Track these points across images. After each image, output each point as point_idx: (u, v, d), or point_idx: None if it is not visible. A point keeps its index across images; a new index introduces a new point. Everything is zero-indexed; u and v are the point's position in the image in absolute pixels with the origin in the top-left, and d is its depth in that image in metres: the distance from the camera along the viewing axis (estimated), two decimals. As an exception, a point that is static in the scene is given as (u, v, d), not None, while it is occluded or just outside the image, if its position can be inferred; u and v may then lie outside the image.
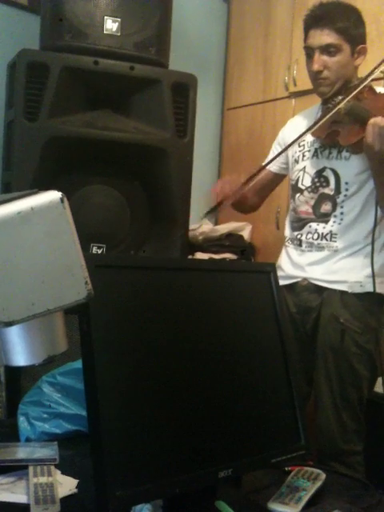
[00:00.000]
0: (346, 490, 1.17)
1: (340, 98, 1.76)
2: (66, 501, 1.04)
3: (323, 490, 1.13)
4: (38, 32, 2.16)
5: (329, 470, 1.22)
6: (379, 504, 1.10)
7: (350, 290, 1.83)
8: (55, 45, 2.05)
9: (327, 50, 1.79)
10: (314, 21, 1.82)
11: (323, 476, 1.17)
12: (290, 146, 1.91)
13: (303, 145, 1.95)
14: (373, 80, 1.75)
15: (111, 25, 2.06)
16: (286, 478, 1.16)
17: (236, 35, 3.20)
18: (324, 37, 1.79)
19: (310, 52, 1.85)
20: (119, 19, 2.07)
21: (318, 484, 1.13)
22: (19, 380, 1.68)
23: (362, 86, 1.71)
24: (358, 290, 1.82)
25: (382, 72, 1.73)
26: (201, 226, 2.93)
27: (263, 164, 2.02)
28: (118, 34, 2.07)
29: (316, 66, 1.81)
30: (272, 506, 1.05)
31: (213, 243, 2.88)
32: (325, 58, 1.80)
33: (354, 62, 1.83)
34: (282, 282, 1.92)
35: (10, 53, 2.12)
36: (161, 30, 2.15)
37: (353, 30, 1.80)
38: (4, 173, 2.22)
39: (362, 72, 1.85)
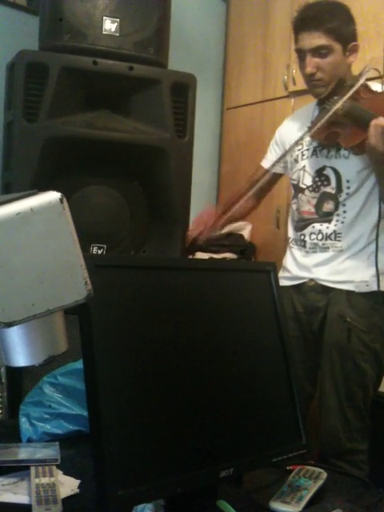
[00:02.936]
0: (347, 489, 1.17)
1: (336, 98, 1.75)
2: (68, 501, 1.04)
3: (324, 489, 1.13)
4: (37, 33, 2.15)
5: (330, 469, 1.22)
6: (380, 502, 1.10)
7: (356, 290, 1.82)
8: (54, 45, 2.04)
9: (319, 51, 1.78)
10: (303, 23, 1.81)
11: (324, 475, 1.17)
12: (288, 151, 1.91)
13: (301, 144, 1.95)
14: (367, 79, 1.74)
15: (110, 25, 2.06)
16: (287, 477, 1.16)
17: (235, 35, 3.20)
18: (314, 39, 1.78)
19: (301, 54, 1.84)
20: (118, 19, 2.07)
21: (320, 483, 1.13)
22: (20, 381, 1.68)
23: (356, 87, 1.70)
24: (364, 289, 1.82)
25: (376, 70, 1.72)
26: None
27: (244, 191, 1.99)
28: (117, 34, 2.07)
29: (309, 69, 1.80)
30: (273, 505, 1.05)
31: (213, 243, 2.87)
32: (317, 59, 1.80)
33: (346, 60, 1.82)
34: (288, 283, 1.95)
35: (8, 53, 2.11)
36: (160, 30, 2.15)
37: (343, 28, 1.79)
38: (4, 173, 2.22)
39: (356, 68, 1.85)
